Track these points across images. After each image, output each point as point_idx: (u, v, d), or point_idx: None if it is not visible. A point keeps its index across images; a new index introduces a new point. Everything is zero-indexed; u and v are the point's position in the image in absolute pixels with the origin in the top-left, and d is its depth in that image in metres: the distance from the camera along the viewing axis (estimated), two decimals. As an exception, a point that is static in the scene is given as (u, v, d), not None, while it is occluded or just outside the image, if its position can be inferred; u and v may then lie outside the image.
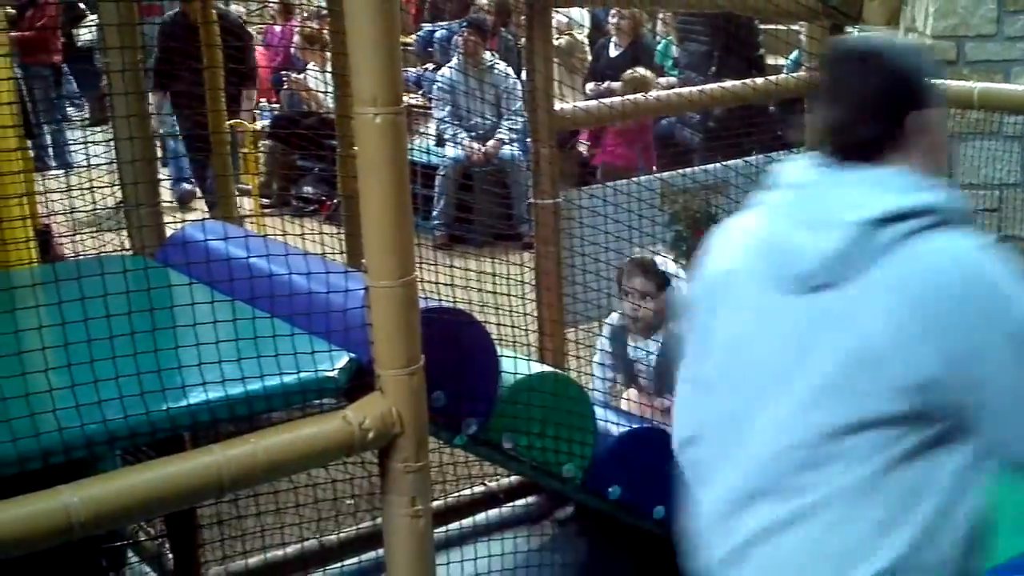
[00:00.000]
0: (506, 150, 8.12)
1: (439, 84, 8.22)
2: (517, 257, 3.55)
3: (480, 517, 3.41)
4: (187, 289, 2.14)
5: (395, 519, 2.07)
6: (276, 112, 9.68)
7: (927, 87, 1.73)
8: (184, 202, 7.83)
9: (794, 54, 7.24)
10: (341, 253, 3.55)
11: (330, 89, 6.34)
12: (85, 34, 10.66)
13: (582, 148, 8.10)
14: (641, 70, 7.78)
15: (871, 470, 1.62)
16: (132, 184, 2.79)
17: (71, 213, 2.60)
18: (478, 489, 3.49)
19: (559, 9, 6.38)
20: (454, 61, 8.31)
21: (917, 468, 1.62)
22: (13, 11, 9.88)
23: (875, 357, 1.59)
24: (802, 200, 1.71)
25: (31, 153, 6.02)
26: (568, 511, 3.39)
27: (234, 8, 10.13)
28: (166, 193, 4.42)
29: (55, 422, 1.86)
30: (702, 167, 4.41)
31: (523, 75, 5.56)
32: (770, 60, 8.21)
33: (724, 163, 4.23)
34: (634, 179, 4.07)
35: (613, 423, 2.95)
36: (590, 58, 9.18)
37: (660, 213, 4.01)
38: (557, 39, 7.49)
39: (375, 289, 1.99)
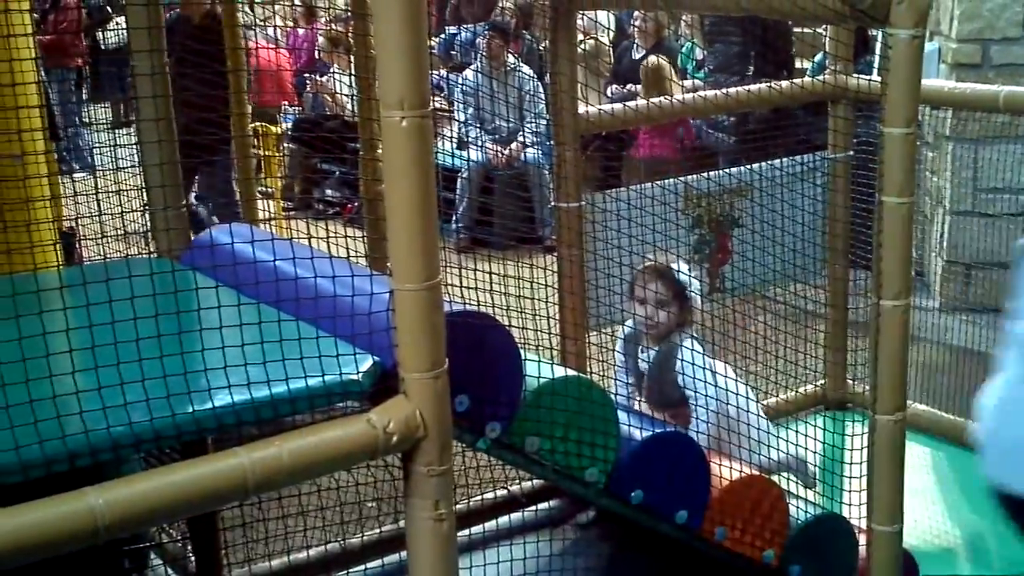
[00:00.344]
0: (528, 153, 8.11)
1: (462, 87, 8.23)
2: (539, 260, 3.54)
3: (502, 520, 3.40)
4: (212, 292, 2.14)
5: (418, 522, 2.07)
6: (298, 115, 9.71)
7: None
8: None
9: (818, 57, 7.23)
10: (364, 256, 3.55)
11: (353, 92, 6.34)
12: (112, 37, 10.72)
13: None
14: (654, 58, 7.77)
15: None
16: (159, 187, 2.80)
17: (98, 216, 2.62)
18: (500, 492, 3.49)
19: (584, 12, 6.38)
20: (476, 64, 8.32)
21: None
22: (36, 15, 9.95)
23: None
24: None
25: (55, 156, 6.04)
26: (590, 515, 3.38)
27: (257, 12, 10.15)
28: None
29: (81, 424, 1.87)
30: (726, 170, 4.39)
31: (546, 78, 5.55)
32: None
33: (748, 166, 4.21)
34: (657, 182, 4.06)
35: (636, 427, 2.94)
36: (612, 61, 9.17)
37: (684, 216, 3.99)
38: (581, 42, 7.48)
39: (400, 292, 1.99)
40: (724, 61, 7.92)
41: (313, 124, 8.97)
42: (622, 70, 8.83)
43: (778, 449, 3.32)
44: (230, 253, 2.42)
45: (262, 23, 9.04)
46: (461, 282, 2.62)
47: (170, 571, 3.22)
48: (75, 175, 7.82)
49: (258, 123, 7.93)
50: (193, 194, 6.98)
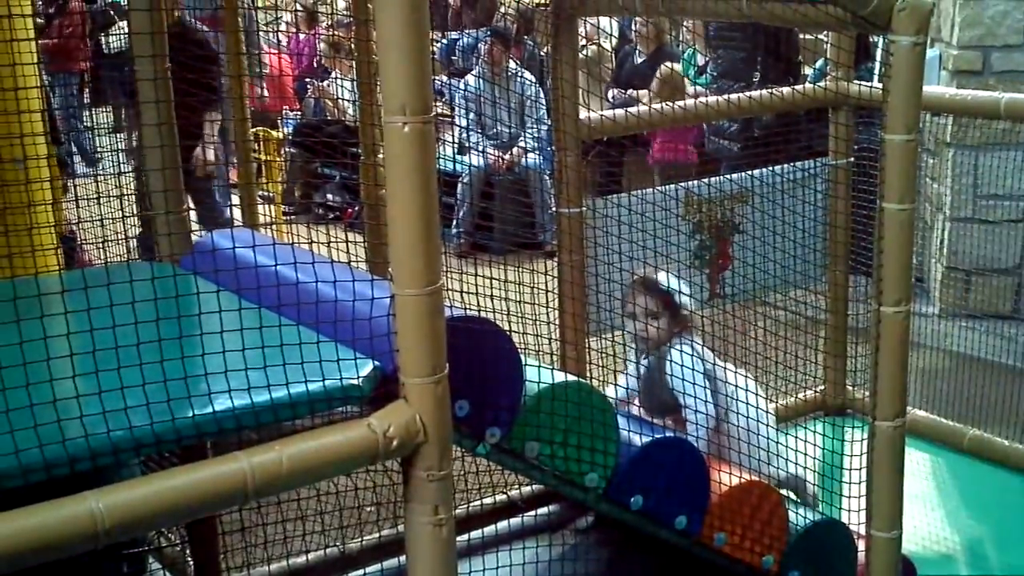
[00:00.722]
0: (529, 158, 8.12)
1: (463, 92, 8.24)
2: (540, 265, 3.54)
3: (502, 525, 3.41)
4: (213, 296, 2.15)
5: (417, 527, 2.07)
6: (299, 120, 9.72)
7: None
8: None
9: (819, 63, 7.23)
10: (363, 261, 3.55)
11: (354, 97, 6.33)
12: (114, 41, 10.73)
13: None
14: (671, 65, 7.75)
15: None
16: (160, 191, 2.80)
17: (99, 221, 2.62)
18: (500, 497, 3.49)
19: (586, 18, 6.39)
20: (477, 69, 8.33)
21: None
22: (41, 20, 9.98)
23: None
24: None
25: (55, 159, 6.04)
26: (589, 520, 3.38)
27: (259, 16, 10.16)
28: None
29: (82, 428, 1.87)
30: (727, 176, 4.39)
31: (547, 83, 5.56)
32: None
33: (749, 172, 4.22)
34: (658, 188, 4.06)
35: (636, 433, 2.95)
36: (613, 67, 9.18)
37: (685, 222, 4.00)
38: (582, 47, 7.49)
39: (401, 297, 1.99)
40: (729, 67, 7.92)
41: (314, 129, 8.98)
42: (623, 75, 8.83)
43: (776, 467, 3.31)
44: (230, 257, 2.42)
45: (265, 30, 9.06)
46: (462, 287, 2.62)
47: (169, 575, 3.22)
48: (76, 178, 7.83)
49: (259, 127, 7.94)
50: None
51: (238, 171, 4.61)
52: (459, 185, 8.06)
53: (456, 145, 8.52)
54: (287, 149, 9.12)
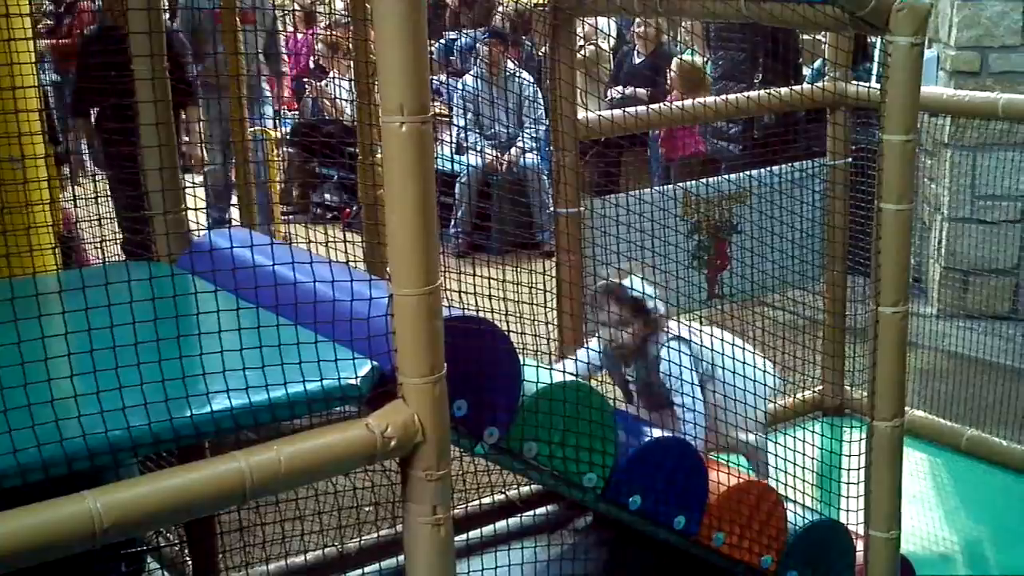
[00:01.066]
0: (527, 158, 8.12)
1: (461, 92, 8.24)
2: (538, 265, 3.54)
3: (500, 525, 3.40)
4: (210, 296, 2.14)
5: (416, 527, 2.07)
6: (297, 119, 9.71)
7: None
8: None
9: (817, 63, 7.23)
10: (362, 261, 3.55)
11: (352, 96, 6.32)
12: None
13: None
14: (690, 57, 7.70)
15: None
16: (157, 191, 2.80)
17: (97, 220, 2.62)
18: (498, 497, 3.49)
19: (584, 19, 6.39)
20: (476, 69, 8.33)
21: None
22: (51, 21, 9.98)
23: None
24: None
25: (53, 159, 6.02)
26: (587, 519, 3.38)
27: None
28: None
29: (79, 428, 1.86)
30: (725, 176, 4.40)
31: (545, 83, 5.56)
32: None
33: (747, 173, 4.22)
34: (656, 188, 4.07)
35: (634, 433, 2.95)
36: (611, 67, 9.18)
37: (682, 222, 4.00)
38: (580, 48, 7.49)
39: (399, 297, 1.99)
40: (730, 68, 7.91)
41: (311, 128, 8.97)
42: (622, 75, 8.83)
43: (746, 430, 3.29)
44: (227, 257, 2.42)
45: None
46: (460, 287, 2.62)
47: (167, 575, 3.21)
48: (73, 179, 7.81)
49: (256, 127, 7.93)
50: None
51: (237, 171, 4.61)
52: (457, 185, 8.06)
53: (454, 145, 8.52)
54: (285, 149, 9.11)
